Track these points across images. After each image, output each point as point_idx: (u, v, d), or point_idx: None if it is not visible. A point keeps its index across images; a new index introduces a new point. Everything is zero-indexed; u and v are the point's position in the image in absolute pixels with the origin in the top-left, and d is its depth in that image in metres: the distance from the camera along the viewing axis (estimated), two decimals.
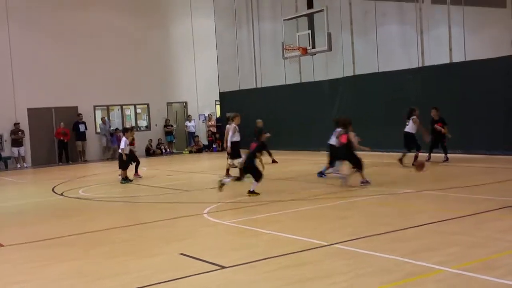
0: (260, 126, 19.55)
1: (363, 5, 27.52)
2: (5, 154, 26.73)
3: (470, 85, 19.15)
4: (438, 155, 17.25)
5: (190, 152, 30.22)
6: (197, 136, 31.04)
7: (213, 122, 31.61)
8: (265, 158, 20.52)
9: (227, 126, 19.24)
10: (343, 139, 13.45)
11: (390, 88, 21.75)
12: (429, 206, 10.42)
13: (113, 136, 28.81)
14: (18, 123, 26.73)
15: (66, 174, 21.90)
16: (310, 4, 23.89)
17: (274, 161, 20.20)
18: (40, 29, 27.48)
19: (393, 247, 7.35)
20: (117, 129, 29.42)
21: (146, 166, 18.37)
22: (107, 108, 30.03)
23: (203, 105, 32.44)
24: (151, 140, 30.12)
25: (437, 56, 23.34)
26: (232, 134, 16.81)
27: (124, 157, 17.53)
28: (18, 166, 26.74)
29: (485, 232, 7.94)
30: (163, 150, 30.16)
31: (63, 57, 27.92)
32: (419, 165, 14.45)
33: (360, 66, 24.18)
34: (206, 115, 32.33)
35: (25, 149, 27.06)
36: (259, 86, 29.00)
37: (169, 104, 31.73)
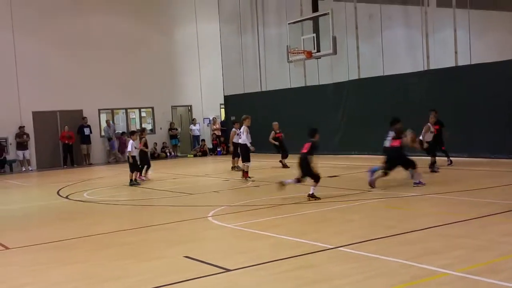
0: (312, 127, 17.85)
1: (368, 8, 27.49)
2: (10, 157, 26.79)
3: (476, 88, 19.10)
4: (442, 159, 17.19)
5: (195, 155, 30.23)
6: (203, 140, 31.03)
7: (217, 126, 31.62)
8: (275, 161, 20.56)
9: (233, 129, 19.32)
10: (396, 143, 13.43)
11: (395, 91, 21.72)
12: (434, 210, 10.40)
13: (111, 141, 28.84)
14: (23, 127, 26.81)
15: (71, 177, 21.94)
16: (315, 8, 23.90)
17: (285, 166, 20.18)
18: (44, 33, 27.54)
19: (398, 250, 7.34)
20: (123, 132, 29.52)
21: (151, 170, 18.37)
22: (112, 112, 30.07)
23: (208, 108, 32.46)
24: (156, 143, 30.15)
25: (442, 60, 23.30)
26: (246, 135, 16.95)
27: (131, 159, 17.56)
28: (23, 169, 26.80)
29: (489, 235, 7.92)
30: (168, 154, 30.19)
31: (68, 61, 28.00)
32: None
33: (365, 70, 24.14)
34: (211, 118, 32.35)
35: (30, 152, 27.12)
36: (263, 89, 28.99)
37: (173, 107, 31.77)
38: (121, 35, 29.39)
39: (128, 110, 30.57)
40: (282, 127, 21.48)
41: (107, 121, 29.26)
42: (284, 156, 20.29)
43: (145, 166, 18.69)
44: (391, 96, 21.74)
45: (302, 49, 22.83)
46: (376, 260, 6.94)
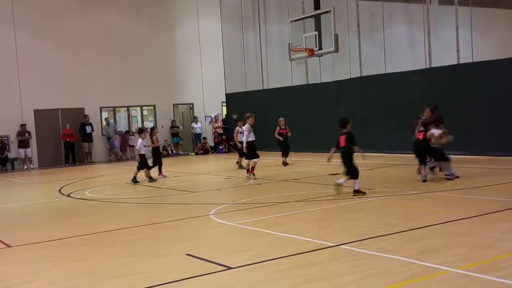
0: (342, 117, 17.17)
1: (370, 6, 27.50)
2: (11, 155, 26.83)
3: (477, 86, 19.08)
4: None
5: (196, 153, 30.25)
6: (205, 138, 31.05)
7: (219, 124, 31.61)
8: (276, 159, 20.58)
9: (236, 128, 19.30)
10: (420, 136, 13.64)
11: (397, 89, 21.70)
12: (436, 207, 10.40)
13: (110, 140, 28.86)
14: (25, 125, 26.84)
15: (72, 175, 21.97)
16: (317, 5, 23.88)
17: (284, 164, 20.22)
18: (46, 31, 27.56)
19: (400, 248, 7.35)
20: (127, 131, 29.53)
21: (153, 168, 18.40)
22: (114, 110, 30.10)
23: (210, 106, 32.46)
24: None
25: (444, 57, 23.27)
26: (247, 133, 16.94)
27: (137, 158, 17.58)
28: (25, 167, 26.84)
29: (491, 233, 7.92)
30: (170, 152, 30.20)
31: (70, 59, 28.03)
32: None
33: (367, 68, 24.14)
34: (213, 116, 32.36)
35: (32, 150, 27.15)
36: (265, 87, 29.00)
37: (175, 105, 31.77)
38: (122, 33, 29.39)
39: (130, 108, 30.58)
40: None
41: (106, 119, 29.25)
42: (284, 154, 20.30)
43: (158, 165, 18.73)
44: (393, 94, 21.72)
45: (304, 47, 22.84)
46: (377, 258, 6.95)
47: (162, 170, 18.92)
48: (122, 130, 29.71)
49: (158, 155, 18.89)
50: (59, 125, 28.01)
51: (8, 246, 9.23)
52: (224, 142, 30.64)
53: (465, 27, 23.52)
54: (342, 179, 12.12)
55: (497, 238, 7.59)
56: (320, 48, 22.37)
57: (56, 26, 27.80)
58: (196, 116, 31.87)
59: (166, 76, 30.77)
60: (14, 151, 26.88)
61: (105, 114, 29.64)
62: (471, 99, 19.07)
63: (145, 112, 31.22)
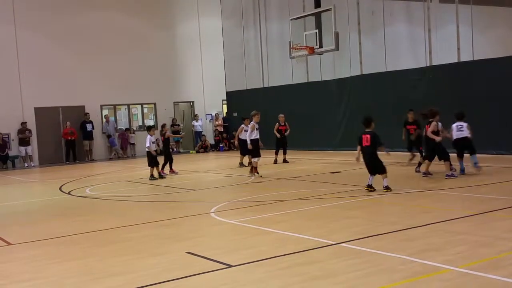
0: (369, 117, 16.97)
1: (371, 4, 27.44)
2: (12, 153, 26.84)
3: (478, 84, 19.08)
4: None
5: (197, 151, 30.24)
6: (204, 135, 31.05)
7: (220, 122, 31.61)
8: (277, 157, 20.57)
9: (242, 125, 19.28)
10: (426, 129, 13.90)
11: (397, 87, 21.70)
12: (436, 206, 10.39)
13: (110, 138, 28.86)
14: (25, 122, 26.83)
15: (73, 173, 21.98)
16: (317, 3, 23.84)
17: (285, 161, 20.26)
18: (47, 28, 27.57)
19: (400, 246, 7.34)
20: (127, 129, 29.53)
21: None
22: (114, 108, 30.10)
23: (210, 104, 32.46)
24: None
25: (445, 56, 23.26)
26: (250, 131, 16.95)
27: (150, 154, 17.61)
28: (26, 165, 26.85)
29: (492, 231, 7.91)
30: (170, 150, 30.11)
31: (70, 57, 28.03)
32: None
33: (367, 66, 24.12)
34: (213, 114, 32.36)
35: (32, 148, 27.16)
36: (266, 85, 28.99)
37: (176, 103, 31.77)
38: (123, 31, 29.39)
39: (131, 106, 30.58)
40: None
41: (105, 116, 29.24)
42: (282, 151, 20.29)
43: (168, 161, 18.82)
44: (393, 92, 21.72)
45: (305, 45, 22.81)
46: (378, 256, 6.94)
47: (173, 167, 19.02)
48: (122, 128, 29.70)
49: (169, 152, 18.89)
50: (59, 123, 28.01)
51: (8, 243, 9.23)
52: (225, 140, 30.64)
53: (465, 25, 23.49)
54: (370, 179, 12.14)
55: (498, 237, 7.58)
56: (321, 46, 22.35)
57: (56, 24, 27.79)
58: (196, 114, 31.86)
59: (166, 74, 30.76)
60: (14, 149, 26.89)
61: (105, 112, 29.63)
62: (471, 97, 19.04)
63: (145, 110, 31.23)
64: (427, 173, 13.95)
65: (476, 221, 8.69)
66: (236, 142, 19.27)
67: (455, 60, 20.93)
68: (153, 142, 17.73)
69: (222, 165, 22.22)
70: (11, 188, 19.05)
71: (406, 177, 14.33)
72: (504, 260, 6.48)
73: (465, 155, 14.20)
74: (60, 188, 16.78)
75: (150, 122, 30.74)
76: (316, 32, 22.49)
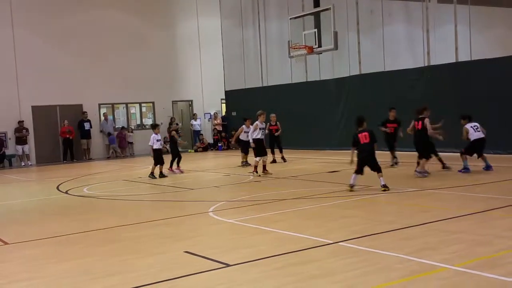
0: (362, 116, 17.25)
1: (370, 4, 27.47)
2: (9, 152, 26.79)
3: (476, 84, 19.09)
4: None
5: (196, 151, 30.22)
6: (202, 134, 31.03)
7: (218, 121, 31.61)
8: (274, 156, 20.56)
9: (243, 126, 19.26)
10: (418, 126, 14.06)
11: (396, 87, 21.71)
12: (433, 205, 10.40)
13: (110, 136, 28.86)
14: (22, 121, 26.79)
15: (70, 172, 21.95)
16: (316, 3, 23.86)
17: (283, 159, 20.22)
18: (44, 27, 27.53)
19: (397, 245, 7.34)
20: (123, 127, 29.52)
21: (152, 164, 18.40)
22: (112, 106, 30.07)
23: (209, 103, 32.45)
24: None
25: (443, 56, 23.28)
26: (253, 131, 16.97)
27: (151, 154, 17.61)
28: (23, 164, 26.81)
29: (489, 230, 7.93)
30: (168, 149, 30.13)
31: (68, 55, 27.98)
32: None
33: (366, 65, 24.13)
34: (212, 113, 32.35)
35: (29, 147, 27.12)
36: (265, 84, 28.98)
37: (174, 102, 31.75)
38: (121, 29, 29.37)
39: (129, 105, 30.56)
40: (284, 121, 21.44)
41: (104, 114, 29.24)
42: (276, 150, 20.22)
43: (176, 158, 18.85)
44: (391, 92, 21.72)
45: (303, 44, 22.81)
46: (375, 255, 6.95)
47: (180, 165, 19.05)
48: (119, 126, 29.67)
49: (177, 149, 18.96)
50: (57, 122, 27.98)
51: (5, 243, 9.21)
52: (223, 139, 30.64)
53: (463, 25, 23.50)
54: (383, 179, 12.15)
55: (496, 235, 7.59)
56: (320, 46, 22.35)
57: (54, 23, 27.75)
58: (195, 113, 31.85)
59: (165, 73, 30.75)
60: (11, 148, 26.84)
61: (103, 111, 29.60)
62: (469, 97, 19.06)
63: (144, 109, 31.21)
64: (422, 172, 14.01)
65: (473, 220, 8.70)
66: (233, 142, 19.25)
67: (453, 60, 20.94)
68: (157, 140, 17.71)
69: (221, 164, 22.22)
70: (8, 187, 19.02)
71: (403, 176, 14.34)
72: (501, 258, 6.49)
73: (461, 154, 14.41)
74: (57, 187, 16.76)
75: (148, 121, 30.76)
76: (315, 32, 22.50)
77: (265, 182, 15.07)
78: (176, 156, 18.83)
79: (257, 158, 16.62)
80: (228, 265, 6.90)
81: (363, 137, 12.18)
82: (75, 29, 28.15)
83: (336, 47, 21.85)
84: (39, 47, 27.24)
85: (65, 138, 27.57)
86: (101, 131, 29.07)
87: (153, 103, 30.90)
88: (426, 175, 13.93)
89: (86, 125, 28.11)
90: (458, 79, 19.68)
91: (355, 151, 12.39)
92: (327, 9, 22.08)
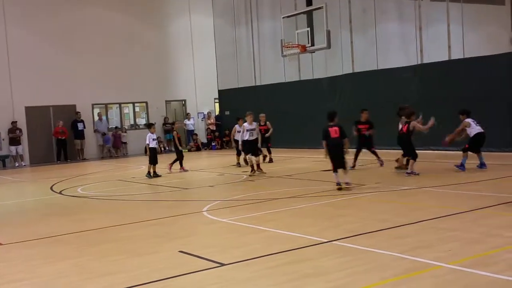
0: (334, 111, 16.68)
1: (362, 2, 27.51)
2: (2, 152, 26.69)
3: (469, 82, 19.14)
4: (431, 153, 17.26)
5: (189, 150, 30.19)
6: (196, 134, 31.00)
7: (212, 120, 31.60)
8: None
9: (236, 126, 19.23)
10: (404, 129, 14.31)
11: (389, 85, 21.75)
12: (427, 203, 10.44)
13: (105, 136, 28.81)
14: (16, 122, 26.70)
15: (64, 172, 21.90)
16: (309, 2, 23.90)
17: (270, 160, 20.09)
18: (37, 27, 27.43)
19: (391, 243, 7.37)
20: (116, 127, 29.49)
21: (145, 164, 18.39)
22: (106, 106, 30.01)
23: (202, 103, 32.43)
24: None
25: (436, 53, 23.34)
26: (242, 132, 17.01)
27: (147, 153, 17.63)
28: (16, 164, 26.72)
29: (483, 228, 7.96)
30: (162, 149, 30.10)
31: (61, 55, 27.89)
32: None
33: (359, 64, 24.17)
34: (205, 113, 32.33)
35: (23, 148, 27.03)
36: (258, 83, 28.98)
37: (167, 102, 31.71)
38: (114, 29, 29.30)
39: (122, 105, 30.50)
40: (277, 120, 21.41)
41: (99, 114, 29.19)
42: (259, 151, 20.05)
43: (179, 158, 18.94)
44: (385, 90, 21.77)
45: (296, 43, 22.83)
46: (369, 254, 6.97)
47: (183, 164, 19.11)
48: (112, 126, 29.63)
49: (178, 149, 19.04)
50: (50, 122, 27.89)
51: (0, 244, 9.19)
52: (217, 138, 30.62)
53: (456, 23, 23.59)
54: (348, 177, 12.26)
55: (489, 233, 7.62)
56: (313, 44, 22.39)
57: (47, 22, 27.66)
58: (188, 113, 31.81)
59: (158, 72, 30.70)
60: (5, 148, 26.74)
61: (97, 111, 29.53)
62: (462, 95, 19.09)
63: (137, 109, 31.16)
64: (411, 173, 14.03)
65: (467, 218, 8.73)
66: (233, 143, 19.32)
67: (446, 58, 21.00)
68: (153, 139, 17.72)
69: (215, 163, 22.22)
70: (2, 188, 18.94)
71: (397, 175, 14.38)
72: (495, 256, 6.52)
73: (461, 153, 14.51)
74: (51, 188, 16.72)
75: (141, 121, 30.72)
76: (308, 31, 22.54)
77: (259, 181, 15.08)
78: (180, 155, 18.85)
79: (248, 155, 16.69)
80: (222, 265, 6.91)
81: (333, 132, 12.37)
82: (68, 29, 28.07)
83: (329, 45, 21.90)
84: (32, 47, 27.13)
85: (58, 138, 27.49)
86: (95, 131, 29.00)
87: (146, 103, 30.85)
88: (417, 174, 13.99)
89: (80, 126, 28.03)
90: (451, 77, 19.73)
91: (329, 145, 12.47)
92: (319, 8, 22.13)
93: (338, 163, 12.30)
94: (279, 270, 6.54)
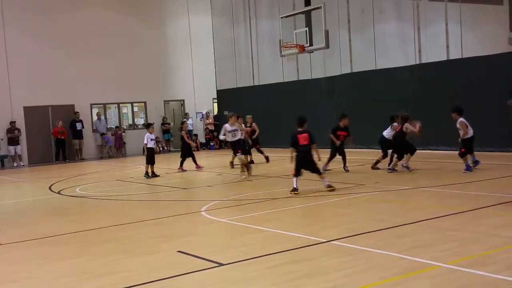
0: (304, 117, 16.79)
1: (361, 2, 27.52)
2: (1, 152, 26.70)
3: (467, 82, 19.15)
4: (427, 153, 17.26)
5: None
6: (196, 134, 30.97)
7: (210, 120, 31.59)
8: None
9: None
10: (397, 129, 14.81)
11: (387, 85, 21.77)
12: (426, 203, 10.45)
13: (105, 135, 28.81)
14: (14, 122, 26.68)
15: (63, 172, 21.90)
16: (307, 2, 23.88)
17: (266, 159, 20.04)
18: (36, 27, 27.40)
19: (390, 243, 7.38)
20: (116, 127, 29.48)
21: (144, 164, 18.38)
22: (104, 106, 30.00)
23: (201, 103, 32.42)
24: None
25: (434, 53, 23.35)
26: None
27: (145, 153, 17.64)
28: (15, 164, 26.72)
29: (481, 227, 7.97)
30: (161, 149, 30.11)
31: (60, 56, 27.88)
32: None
33: (357, 63, 24.18)
34: (204, 113, 32.33)
35: (22, 148, 27.02)
36: (256, 83, 28.99)
37: (166, 102, 31.71)
38: (113, 29, 29.29)
39: (121, 105, 30.49)
40: (275, 120, 21.41)
41: (97, 114, 29.19)
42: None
43: (190, 157, 19.04)
44: (383, 90, 21.79)
45: (295, 43, 22.83)
46: (368, 254, 6.98)
47: (197, 162, 19.23)
48: (111, 126, 29.62)
49: (187, 149, 19.08)
50: (49, 122, 27.88)
51: None
52: (215, 138, 30.62)
53: (454, 23, 23.59)
54: (326, 180, 12.26)
55: (487, 233, 7.63)
56: (311, 44, 22.38)
57: (45, 22, 27.65)
58: (187, 113, 31.80)
59: (156, 72, 30.68)
60: (3, 149, 26.73)
61: (95, 111, 29.53)
62: (460, 95, 19.09)
63: (135, 109, 31.15)
64: (393, 170, 14.70)
65: (465, 218, 8.75)
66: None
67: (445, 58, 21.01)
68: (151, 140, 17.72)
69: (213, 163, 22.20)
70: (0, 188, 18.92)
71: (396, 175, 14.39)
72: (493, 256, 6.53)
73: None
74: (50, 188, 16.72)
75: (140, 121, 30.72)
76: (306, 30, 22.53)
77: (258, 181, 15.09)
78: (188, 152, 18.99)
79: (237, 155, 16.85)
80: (221, 265, 6.92)
81: (303, 139, 12.12)
82: (67, 29, 28.06)
83: (327, 45, 21.90)
84: (30, 48, 27.13)
85: (57, 138, 27.48)
86: (93, 131, 28.99)
87: (145, 103, 30.85)
88: (411, 170, 14.45)
89: (78, 125, 28.03)
90: (449, 76, 19.74)
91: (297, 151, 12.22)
92: (318, 8, 22.11)
93: (308, 169, 12.22)
94: (278, 270, 6.55)
